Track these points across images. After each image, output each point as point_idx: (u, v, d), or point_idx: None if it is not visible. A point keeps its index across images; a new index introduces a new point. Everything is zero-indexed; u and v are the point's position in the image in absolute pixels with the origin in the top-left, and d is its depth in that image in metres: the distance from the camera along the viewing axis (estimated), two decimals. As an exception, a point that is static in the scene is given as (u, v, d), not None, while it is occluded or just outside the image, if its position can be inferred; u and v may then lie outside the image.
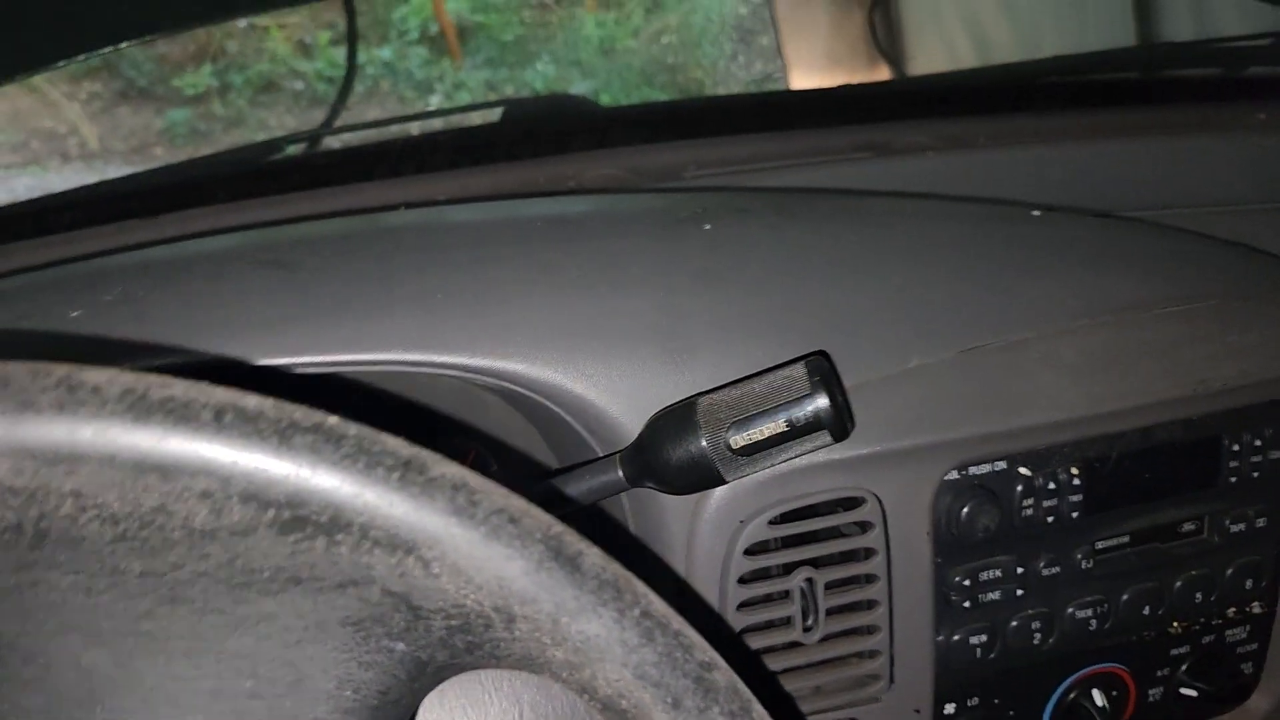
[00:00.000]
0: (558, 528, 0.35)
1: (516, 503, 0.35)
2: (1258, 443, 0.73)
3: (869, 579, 0.67)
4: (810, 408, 0.53)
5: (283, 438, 0.32)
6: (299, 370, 0.58)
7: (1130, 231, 0.79)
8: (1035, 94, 1.20)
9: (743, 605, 0.64)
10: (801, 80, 2.83)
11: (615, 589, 0.35)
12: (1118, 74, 1.28)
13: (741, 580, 0.64)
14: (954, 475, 0.67)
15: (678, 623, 0.36)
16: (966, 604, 0.69)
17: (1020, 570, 0.70)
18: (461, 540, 0.33)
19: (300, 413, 0.33)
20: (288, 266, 0.64)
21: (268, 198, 0.91)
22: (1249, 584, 0.76)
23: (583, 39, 5.38)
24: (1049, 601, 0.71)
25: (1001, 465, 0.68)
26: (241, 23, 4.84)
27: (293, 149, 1.19)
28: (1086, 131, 1.11)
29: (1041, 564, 0.70)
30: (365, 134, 1.31)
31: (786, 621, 0.65)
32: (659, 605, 0.36)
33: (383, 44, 5.37)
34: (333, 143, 1.21)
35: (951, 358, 0.66)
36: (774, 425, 0.54)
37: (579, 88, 5.25)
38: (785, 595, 0.65)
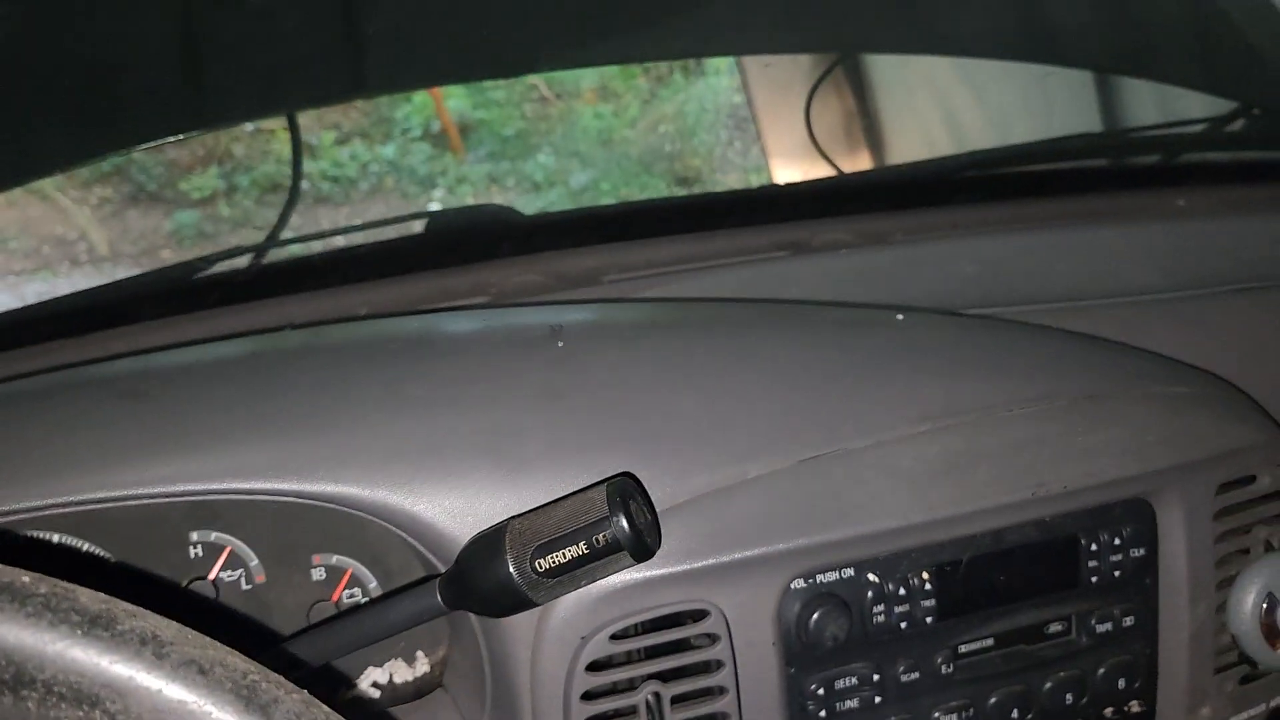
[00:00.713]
0: (254, 676, 0.36)
1: (212, 654, 0.36)
2: (1117, 541, 0.73)
3: (720, 691, 0.67)
4: (608, 530, 0.54)
5: (-34, 599, 0.34)
6: (130, 502, 0.61)
7: (988, 332, 0.80)
8: (961, 187, 1.22)
9: (587, 721, 0.65)
10: (782, 167, 2.88)
11: (308, 735, 0.36)
12: (1048, 164, 1.30)
13: (586, 697, 0.65)
14: (800, 583, 0.68)
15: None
16: (823, 713, 0.69)
17: (877, 677, 0.70)
18: (146, 693, 0.35)
19: (-12, 573, 0.34)
20: (141, 397, 0.66)
21: (188, 315, 0.94)
22: (1122, 683, 0.75)
23: (581, 130, 5.50)
24: (911, 708, 0.71)
25: (849, 572, 0.69)
26: (248, 126, 4.99)
27: (227, 264, 1.23)
28: (1006, 223, 1.13)
29: (900, 670, 0.70)
30: (296, 249, 1.34)
31: (634, 737, 0.66)
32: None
33: (386, 142, 5.51)
34: (270, 257, 1.24)
35: (790, 467, 0.67)
36: (576, 549, 0.55)
37: (579, 178, 5.36)
38: (632, 711, 0.66)
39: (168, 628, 0.36)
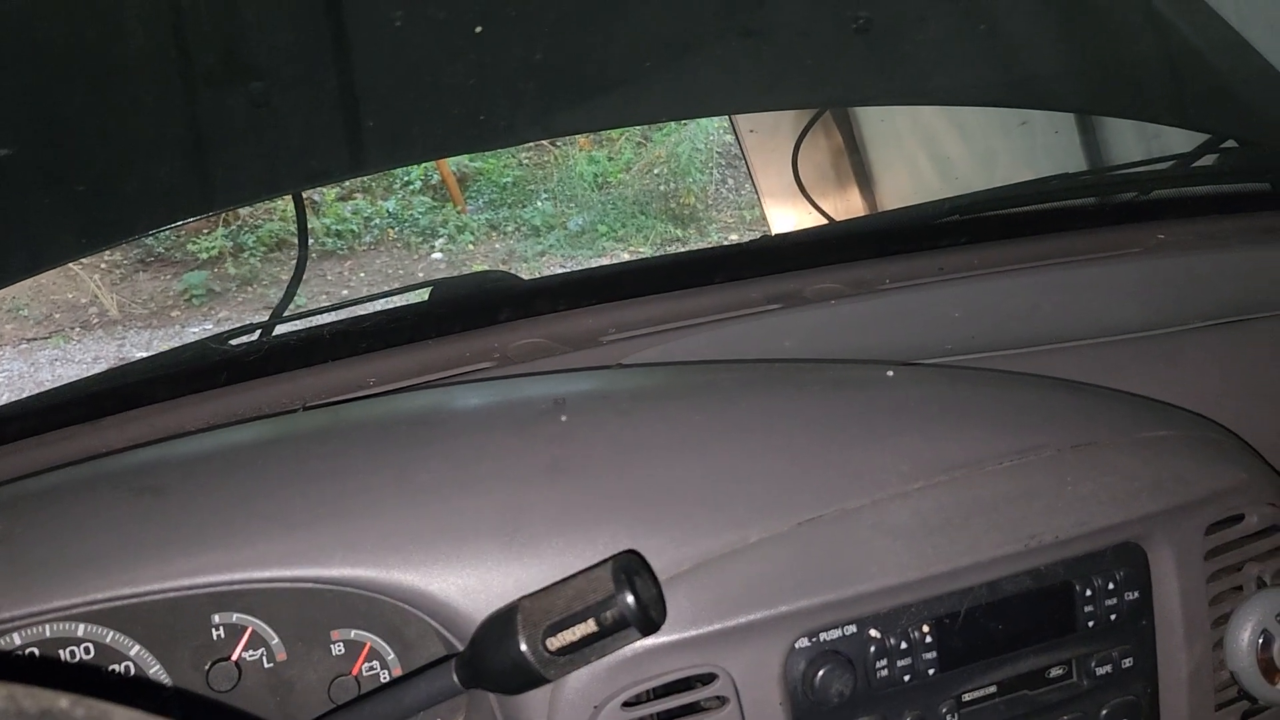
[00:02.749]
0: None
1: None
2: (1111, 586, 0.75)
3: (732, 751, 0.69)
4: (615, 608, 0.57)
5: (13, 724, 0.36)
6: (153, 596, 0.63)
7: (976, 385, 0.82)
8: (945, 231, 1.24)
9: (603, 788, 0.67)
10: (772, 207, 2.92)
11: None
12: (1029, 206, 1.32)
13: (601, 763, 0.67)
14: (804, 643, 0.70)
15: None
16: (833, 768, 0.71)
17: (884, 730, 0.72)
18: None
19: (29, 699, 0.37)
20: (158, 493, 0.69)
21: (200, 394, 0.96)
22: (1126, 723, 0.77)
23: (577, 176, 5.57)
24: (919, 758, 0.73)
25: (852, 629, 0.71)
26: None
27: (236, 342, 1.25)
28: (991, 265, 1.16)
29: (907, 720, 0.72)
30: (304, 323, 1.37)
31: (649, 801, 0.67)
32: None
33: (388, 196, 5.59)
34: (278, 332, 1.27)
35: (789, 529, 0.70)
36: (585, 626, 0.57)
37: (576, 221, 5.42)
38: (646, 774, 0.67)
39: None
